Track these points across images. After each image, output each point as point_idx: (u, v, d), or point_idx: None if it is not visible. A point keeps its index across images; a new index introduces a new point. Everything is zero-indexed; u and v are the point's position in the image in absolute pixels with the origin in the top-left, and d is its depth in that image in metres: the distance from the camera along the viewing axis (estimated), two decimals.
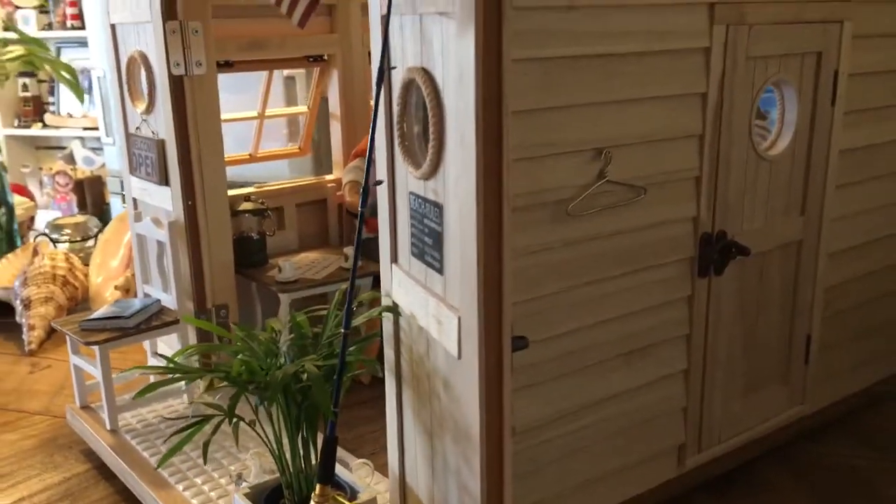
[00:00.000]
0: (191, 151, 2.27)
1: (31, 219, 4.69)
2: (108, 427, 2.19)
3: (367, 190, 1.30)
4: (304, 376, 1.39)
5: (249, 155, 2.82)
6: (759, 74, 1.77)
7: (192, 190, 2.29)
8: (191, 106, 2.25)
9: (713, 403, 1.90)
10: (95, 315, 2.24)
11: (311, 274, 2.41)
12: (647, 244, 1.68)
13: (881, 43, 2.00)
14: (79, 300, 3.39)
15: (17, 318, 3.22)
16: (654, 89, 1.61)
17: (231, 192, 2.50)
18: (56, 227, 3.92)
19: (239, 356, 1.42)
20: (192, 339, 2.30)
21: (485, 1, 1.09)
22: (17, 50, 3.85)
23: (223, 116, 2.73)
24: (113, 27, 2.44)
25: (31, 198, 4.90)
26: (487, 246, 1.18)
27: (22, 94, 4.81)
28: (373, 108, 1.29)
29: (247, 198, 2.51)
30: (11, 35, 3.95)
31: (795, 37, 1.81)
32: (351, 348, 1.50)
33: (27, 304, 3.21)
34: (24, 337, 3.12)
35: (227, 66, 2.49)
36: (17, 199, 4.42)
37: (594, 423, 1.70)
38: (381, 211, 1.51)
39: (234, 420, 1.39)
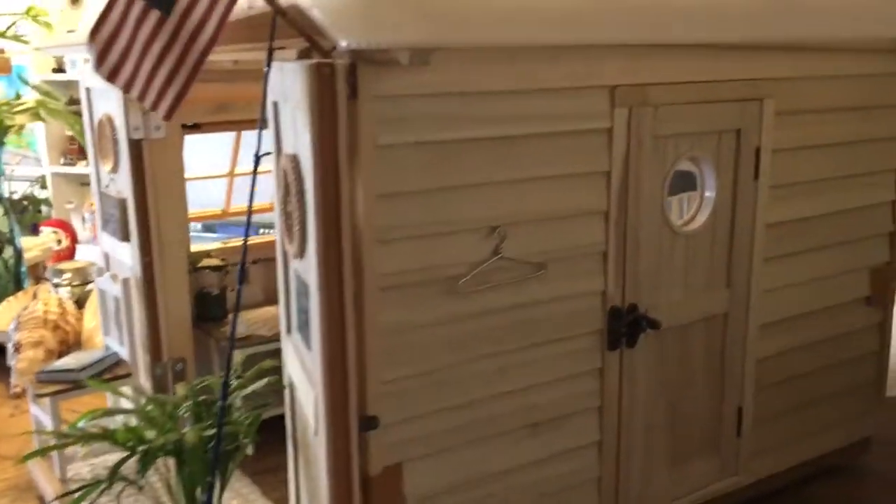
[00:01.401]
0: (148, 211, 2.37)
1: (71, 253, 4.84)
2: (59, 476, 2.27)
3: (243, 266, 1.37)
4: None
5: (222, 211, 2.92)
6: (670, 152, 1.81)
7: (150, 247, 2.38)
8: (149, 167, 2.35)
9: (630, 475, 1.90)
10: (52, 367, 2.33)
11: (263, 330, 2.47)
12: (550, 317, 1.71)
13: (808, 118, 2.01)
14: (70, 344, 3.48)
15: (8, 361, 3.34)
16: (553, 168, 1.65)
17: (194, 249, 2.60)
18: (57, 271, 4.05)
19: (117, 427, 1.48)
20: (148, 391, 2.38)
21: (319, 96, 1.16)
22: (28, 102, 4.03)
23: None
24: (87, 90, 2.57)
25: (73, 233, 5.07)
26: (331, 328, 1.23)
27: (68, 133, 5.03)
28: (249, 189, 1.36)
29: (208, 254, 2.59)
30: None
31: (710, 116, 1.84)
32: (245, 416, 1.56)
33: (17, 348, 3.32)
34: (11, 380, 3.24)
35: (194, 127, 2.59)
36: (31, 241, 4.59)
37: (499, 491, 1.73)
38: (278, 283, 1.58)
39: (121, 486, 1.45)
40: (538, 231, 1.66)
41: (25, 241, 4.55)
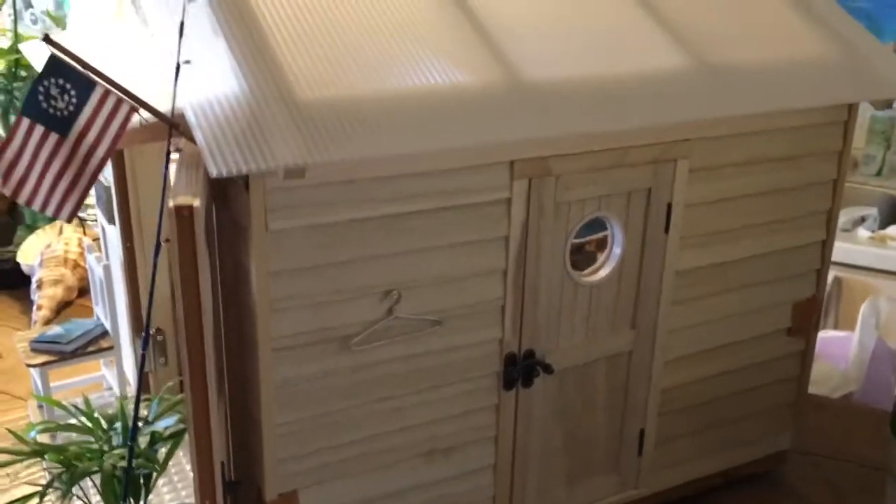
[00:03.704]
0: (129, 199, 2.58)
1: None
2: None
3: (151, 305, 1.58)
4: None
5: None
6: (574, 214, 1.92)
7: (131, 233, 2.61)
8: (128, 158, 2.55)
9: (526, 493, 2.11)
10: (44, 336, 2.62)
11: None
12: (447, 364, 1.89)
13: (726, 172, 2.08)
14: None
15: (31, 296, 3.68)
16: (450, 238, 1.79)
17: None
18: (86, 205, 4.34)
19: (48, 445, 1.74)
20: (128, 365, 2.67)
21: (180, 236, 1.33)
22: None
23: None
24: None
25: None
26: (196, 401, 1.44)
27: None
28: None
29: None
30: None
31: (617, 180, 1.93)
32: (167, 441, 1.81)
33: (39, 285, 3.66)
34: (32, 315, 3.59)
35: None
36: None
37: None
38: None
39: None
40: (434, 291, 1.82)
41: None
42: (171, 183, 1.57)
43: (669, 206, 2.03)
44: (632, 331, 2.11)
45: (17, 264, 3.94)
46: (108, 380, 2.83)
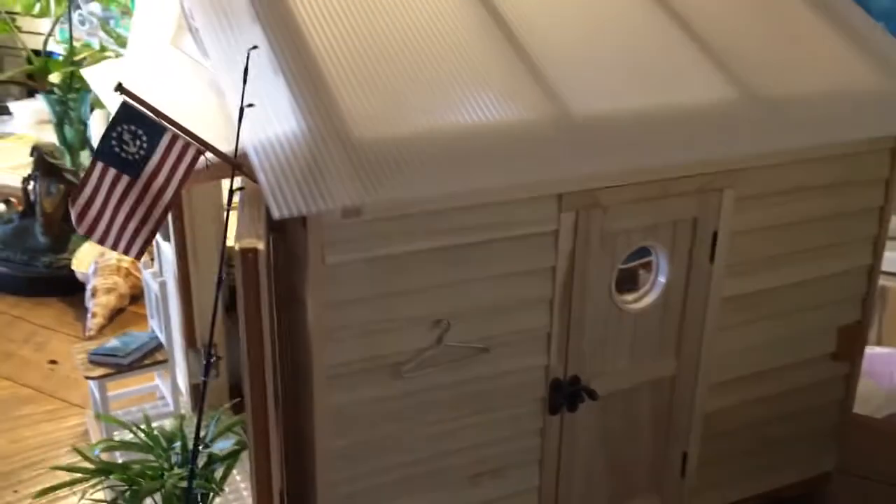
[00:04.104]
0: (184, 216, 2.67)
1: None
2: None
3: (212, 340, 1.65)
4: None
5: None
6: (620, 244, 1.96)
7: (185, 251, 2.69)
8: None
9: None
10: (101, 348, 2.71)
11: None
12: (494, 390, 1.94)
13: (773, 200, 2.09)
14: (141, 288, 3.92)
15: (86, 303, 3.80)
16: (499, 268, 1.84)
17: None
18: None
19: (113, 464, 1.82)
20: (181, 377, 2.76)
21: (245, 276, 1.39)
22: None
23: None
24: None
25: None
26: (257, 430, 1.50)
27: None
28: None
29: None
30: None
31: (663, 210, 1.96)
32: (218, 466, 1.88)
33: (94, 293, 3.78)
34: (87, 323, 3.70)
35: None
36: None
37: None
38: None
39: None
40: (482, 320, 1.86)
41: None
42: (227, 217, 1.63)
43: (715, 235, 2.05)
44: (676, 356, 2.14)
45: (72, 272, 4.05)
46: (162, 390, 2.92)
